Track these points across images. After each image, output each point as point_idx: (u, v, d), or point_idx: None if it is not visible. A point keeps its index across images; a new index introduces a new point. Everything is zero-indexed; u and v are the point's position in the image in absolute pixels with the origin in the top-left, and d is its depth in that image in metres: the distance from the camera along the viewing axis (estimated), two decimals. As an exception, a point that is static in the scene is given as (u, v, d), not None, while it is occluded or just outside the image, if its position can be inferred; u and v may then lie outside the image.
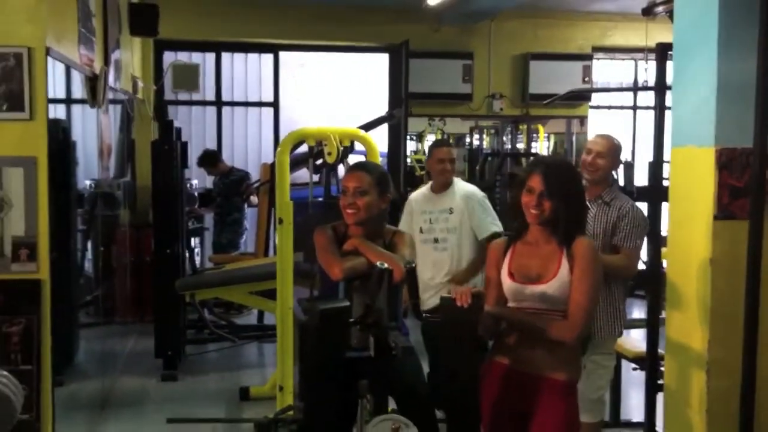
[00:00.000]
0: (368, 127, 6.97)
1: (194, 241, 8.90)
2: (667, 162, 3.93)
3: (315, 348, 2.87)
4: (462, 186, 4.75)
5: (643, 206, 4.16)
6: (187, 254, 7.47)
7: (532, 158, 3.29)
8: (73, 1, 5.01)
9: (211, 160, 8.89)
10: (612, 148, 4.07)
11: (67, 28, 4.79)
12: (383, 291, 2.99)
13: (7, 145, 3.81)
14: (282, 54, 9.78)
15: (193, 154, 8.69)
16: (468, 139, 11.65)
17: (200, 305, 6.56)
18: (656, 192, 4.22)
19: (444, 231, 4.59)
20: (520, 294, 2.99)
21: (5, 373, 3.00)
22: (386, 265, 3.08)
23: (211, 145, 9.75)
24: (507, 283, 3.01)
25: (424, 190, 4.87)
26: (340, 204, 3.53)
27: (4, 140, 3.79)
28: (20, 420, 2.99)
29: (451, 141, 10.17)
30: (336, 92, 12.35)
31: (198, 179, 9.58)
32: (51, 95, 4.21)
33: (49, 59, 4.02)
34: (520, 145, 11.42)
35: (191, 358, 6.87)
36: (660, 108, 4.10)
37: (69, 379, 5.53)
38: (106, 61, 6.09)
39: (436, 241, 4.62)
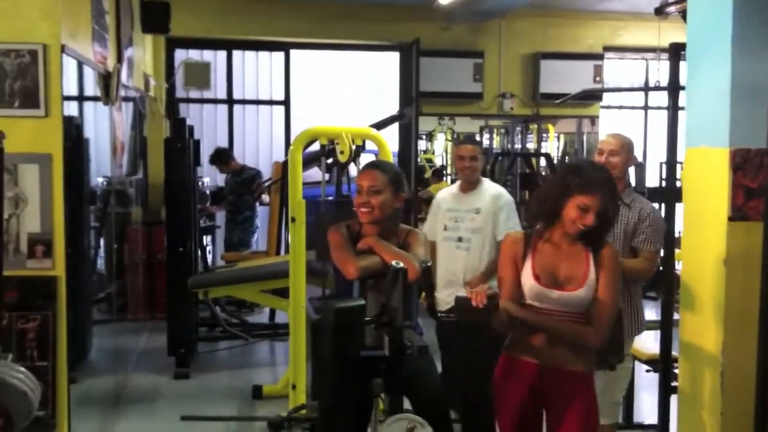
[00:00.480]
0: (380, 126, 6.98)
1: (206, 239, 8.92)
2: (681, 163, 3.93)
3: (329, 346, 2.88)
4: (491, 187, 4.70)
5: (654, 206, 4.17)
6: (199, 252, 7.49)
7: (566, 164, 3.19)
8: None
9: (223, 158, 8.91)
10: (623, 144, 4.07)
11: (81, 25, 4.81)
12: (398, 290, 3.00)
13: (22, 142, 3.83)
14: (293, 52, 9.79)
15: (205, 152, 8.71)
16: (478, 139, 11.64)
17: (212, 303, 6.56)
18: (670, 192, 4.21)
19: (469, 231, 4.55)
20: (545, 297, 3.01)
21: (23, 369, 3.03)
22: (401, 265, 3.08)
23: (222, 143, 9.78)
24: (531, 284, 3.02)
25: (452, 188, 4.83)
26: (355, 203, 3.53)
27: (20, 137, 3.80)
28: (36, 416, 3.02)
29: (477, 139, 10.14)
30: (346, 90, 12.39)
31: (209, 177, 9.61)
32: (65, 92, 4.23)
33: (64, 56, 4.05)
34: (531, 145, 11.41)
35: (203, 356, 6.90)
36: (673, 108, 4.10)
37: (82, 376, 5.57)
38: (119, 59, 6.11)
39: (459, 240, 4.58)
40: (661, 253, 4.14)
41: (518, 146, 11.28)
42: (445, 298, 4.51)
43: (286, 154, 7.58)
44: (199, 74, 9.53)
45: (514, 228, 4.53)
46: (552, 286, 3.00)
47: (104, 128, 6.51)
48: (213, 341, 7.28)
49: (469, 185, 4.66)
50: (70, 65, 4.78)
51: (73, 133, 5.63)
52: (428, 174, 10.10)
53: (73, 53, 4.44)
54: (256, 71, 10.63)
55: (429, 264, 3.40)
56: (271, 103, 10.52)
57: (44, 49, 3.89)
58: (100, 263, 7.16)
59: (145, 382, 6.24)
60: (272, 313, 7.93)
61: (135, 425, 5.35)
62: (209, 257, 8.92)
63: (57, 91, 3.96)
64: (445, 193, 4.86)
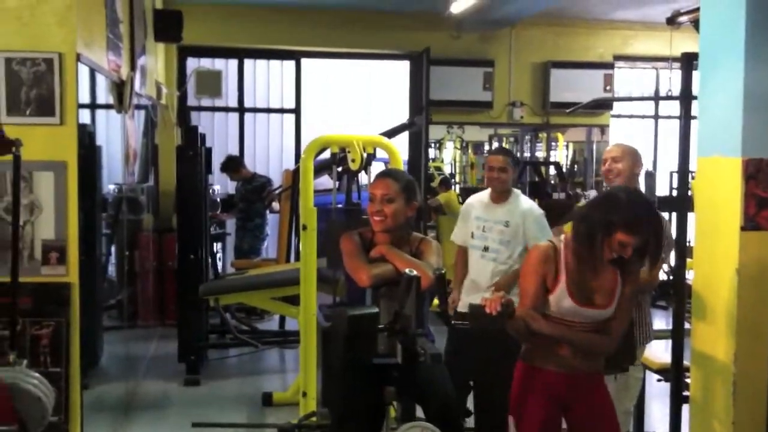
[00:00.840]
0: (390, 134, 6.99)
1: (216, 247, 8.95)
2: (692, 172, 3.93)
3: (341, 354, 2.89)
4: (522, 201, 4.67)
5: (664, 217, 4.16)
6: (209, 259, 7.51)
7: (610, 196, 3.07)
8: (102, 7, 5.06)
9: (234, 165, 8.95)
10: (626, 151, 4.10)
11: (95, 33, 4.83)
12: (411, 298, 3.00)
13: (37, 150, 3.85)
14: (303, 61, 9.82)
15: (216, 160, 8.75)
16: (487, 147, 11.65)
17: (223, 310, 6.56)
18: (681, 202, 4.21)
19: (496, 242, 4.53)
20: (578, 313, 3.06)
21: (38, 375, 3.05)
22: (415, 273, 3.09)
23: (233, 151, 9.81)
24: (566, 302, 3.06)
25: (483, 196, 4.77)
26: (368, 211, 3.53)
27: (35, 145, 3.81)
28: (49, 422, 3.04)
29: (508, 148, 10.10)
30: (357, 99, 12.41)
31: (220, 185, 9.64)
32: (79, 100, 4.27)
33: (78, 64, 4.07)
34: (540, 154, 11.42)
35: (213, 363, 6.91)
36: (685, 117, 4.10)
37: (94, 382, 5.60)
38: (133, 67, 6.14)
39: (485, 249, 4.57)
40: (672, 263, 4.13)
41: (527, 155, 11.29)
42: (467, 301, 4.48)
43: (297, 162, 7.60)
44: (211, 82, 9.55)
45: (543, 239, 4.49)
46: (585, 304, 3.06)
47: (117, 136, 6.55)
48: (223, 348, 7.30)
49: (500, 196, 4.63)
50: (84, 73, 4.81)
51: (87, 140, 5.68)
52: (436, 182, 10.08)
53: (88, 61, 4.47)
54: (267, 80, 10.68)
55: (443, 272, 3.39)
56: (281, 111, 10.56)
57: (59, 58, 3.92)
58: (111, 270, 7.20)
59: (156, 388, 6.25)
60: (282, 320, 7.95)
61: (146, 429, 5.38)
62: (220, 264, 8.94)
63: (72, 99, 3.99)
64: (476, 200, 4.81)
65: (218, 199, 9.15)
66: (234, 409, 5.75)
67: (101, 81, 5.91)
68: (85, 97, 6.00)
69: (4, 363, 3.02)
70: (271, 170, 10.29)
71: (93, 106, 6.52)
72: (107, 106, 6.12)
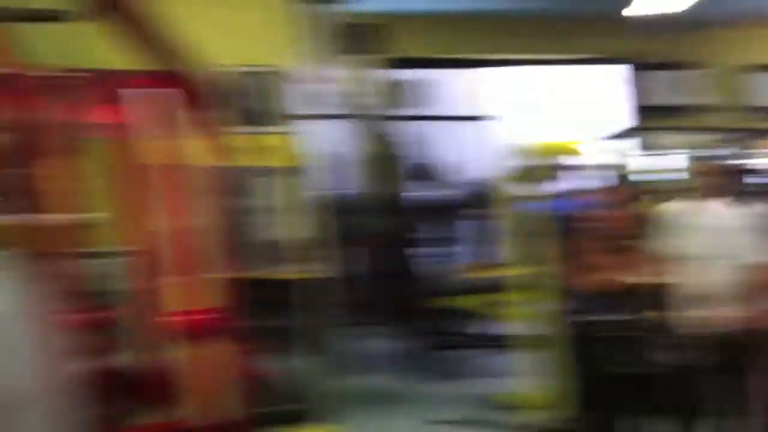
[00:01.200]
0: (606, 141, 6.93)
1: (432, 252, 9.09)
2: None
3: (588, 361, 2.86)
4: (736, 207, 4.49)
5: None
6: (430, 264, 7.72)
7: None
8: (310, 22, 5.30)
9: (438, 173, 9.10)
10: None
11: (305, 48, 5.05)
12: (653, 306, 2.94)
13: (264, 157, 4.07)
14: (498, 69, 9.80)
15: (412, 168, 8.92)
16: (700, 154, 11.16)
17: (449, 313, 6.70)
18: None
19: (709, 249, 4.37)
20: None
21: (288, 365, 3.23)
22: (650, 280, 3.03)
23: (429, 159, 9.94)
24: None
25: (693, 204, 4.60)
26: (591, 218, 3.53)
27: (262, 152, 4.05)
28: (293, 409, 3.21)
29: (721, 154, 9.84)
30: (559, 106, 12.25)
31: (429, 192, 9.77)
32: (297, 111, 4.50)
33: (294, 77, 4.30)
34: (758, 160, 10.81)
35: (441, 363, 7.04)
36: None
37: (325, 376, 5.84)
38: (342, 79, 6.39)
39: (699, 257, 4.40)
40: None
41: (741, 161, 10.71)
42: (687, 315, 4.33)
43: (500, 170, 7.59)
44: (409, 93, 9.70)
45: (763, 249, 4.27)
46: None
47: (334, 144, 6.83)
48: (450, 349, 7.40)
49: (712, 203, 4.47)
50: (299, 86, 5.07)
51: (310, 148, 5.95)
52: (646, 191, 9.78)
53: (302, 74, 4.69)
54: (459, 88, 10.70)
55: (670, 280, 3.31)
56: (476, 119, 10.56)
57: (279, 71, 4.17)
58: (339, 270, 7.47)
59: (385, 384, 6.48)
60: (504, 324, 7.92)
61: (380, 424, 5.52)
62: (444, 269, 9.08)
63: (291, 110, 4.23)
64: (686, 207, 4.66)
65: (426, 206, 9.29)
66: (466, 408, 5.82)
67: (315, 92, 6.18)
68: (303, 108, 6.29)
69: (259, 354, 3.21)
70: (467, 177, 10.32)
71: (309, 116, 6.81)
72: (323, 117, 6.39)
